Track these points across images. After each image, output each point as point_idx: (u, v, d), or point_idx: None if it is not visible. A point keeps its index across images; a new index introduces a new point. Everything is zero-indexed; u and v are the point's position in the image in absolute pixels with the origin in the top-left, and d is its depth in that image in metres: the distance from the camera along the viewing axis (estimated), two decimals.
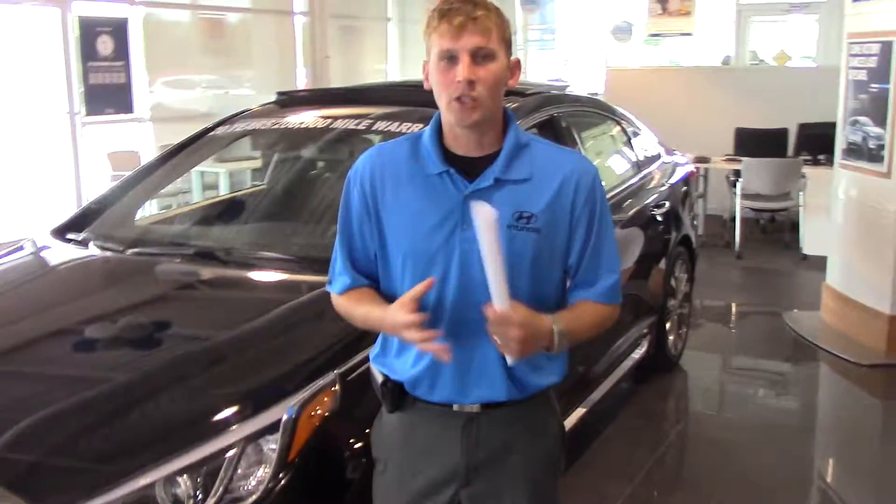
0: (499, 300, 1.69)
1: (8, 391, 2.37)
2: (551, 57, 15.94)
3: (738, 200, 7.81)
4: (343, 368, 2.33)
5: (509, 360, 1.79)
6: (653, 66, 11.47)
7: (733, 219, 7.92)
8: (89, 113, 7.96)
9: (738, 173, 7.80)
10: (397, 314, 1.76)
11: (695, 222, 5.48)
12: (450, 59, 1.77)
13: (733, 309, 6.60)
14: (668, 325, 4.77)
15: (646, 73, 10.51)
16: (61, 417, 2.19)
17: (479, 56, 1.77)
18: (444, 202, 1.82)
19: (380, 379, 1.95)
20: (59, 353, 2.59)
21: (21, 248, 3.34)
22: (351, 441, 2.24)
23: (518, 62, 1.88)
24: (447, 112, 1.81)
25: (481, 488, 1.91)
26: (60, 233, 3.36)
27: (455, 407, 1.88)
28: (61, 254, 3.23)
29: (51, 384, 2.40)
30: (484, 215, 1.66)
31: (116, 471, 2.03)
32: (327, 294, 2.00)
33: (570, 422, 3.58)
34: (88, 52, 7.87)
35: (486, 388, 1.87)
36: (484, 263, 1.70)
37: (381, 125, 3.47)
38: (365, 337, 2.44)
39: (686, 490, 3.75)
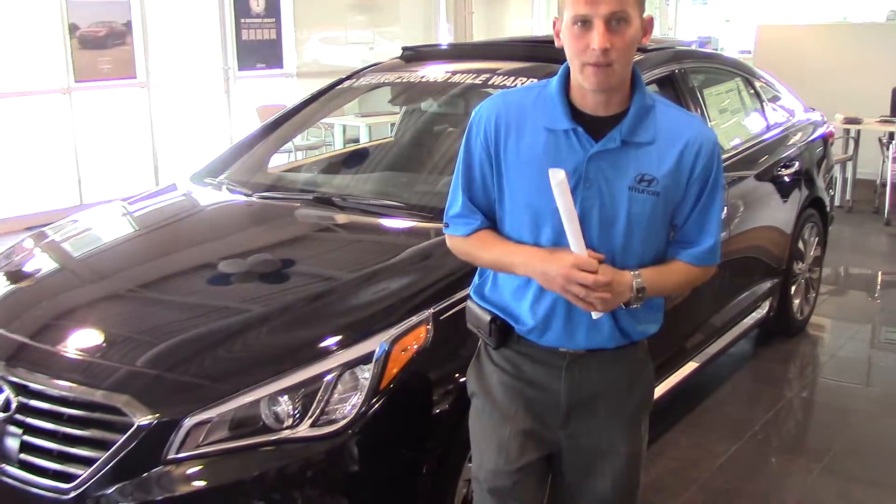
0: (577, 251, 1.79)
1: (152, 316, 2.65)
2: (705, 13, 15.40)
3: (889, 164, 7.43)
4: (437, 308, 2.47)
5: (594, 315, 1.86)
6: (805, 23, 10.89)
7: (885, 184, 7.54)
8: (241, 68, 8.39)
9: (892, 136, 7.41)
10: (566, 260, 1.80)
11: (831, 185, 5.28)
12: (584, 23, 1.75)
13: (876, 277, 6.34)
14: (793, 289, 4.67)
15: (798, 30, 10.04)
16: (186, 340, 2.44)
17: (614, 20, 1.74)
18: (568, 159, 1.82)
19: (487, 318, 2.01)
20: (188, 285, 2.86)
21: (174, 187, 3.66)
22: (441, 376, 2.39)
23: (651, 20, 1.85)
24: (580, 75, 1.80)
25: (581, 426, 1.99)
26: (200, 177, 3.65)
27: (562, 349, 1.96)
28: (198, 196, 3.51)
29: (179, 312, 2.65)
30: (556, 178, 1.74)
31: (227, 388, 2.25)
32: (436, 238, 2.07)
33: (680, 375, 3.61)
34: (242, 9, 8.28)
35: (594, 335, 1.93)
36: (563, 222, 1.77)
37: (505, 80, 3.53)
38: (460, 281, 2.59)
39: (794, 452, 3.71)
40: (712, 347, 3.91)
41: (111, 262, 3.09)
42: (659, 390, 3.44)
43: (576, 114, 1.85)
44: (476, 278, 2.08)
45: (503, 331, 1.99)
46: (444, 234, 2.05)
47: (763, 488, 3.41)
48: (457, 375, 2.37)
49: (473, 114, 1.95)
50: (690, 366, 3.72)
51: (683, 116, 1.96)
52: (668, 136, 1.86)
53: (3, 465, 2.38)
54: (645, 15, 1.82)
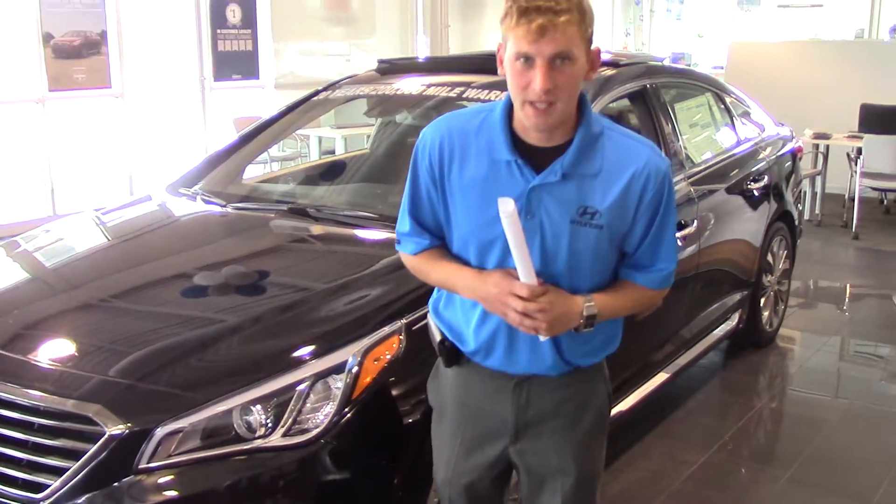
0: (526, 280, 1.78)
1: (124, 326, 2.65)
2: (678, 28, 15.57)
3: (857, 179, 7.56)
4: (409, 319, 2.50)
5: (541, 337, 1.85)
6: (777, 40, 11.07)
7: (853, 198, 7.67)
8: (217, 78, 8.38)
9: (860, 151, 7.54)
10: (504, 285, 1.79)
11: (799, 199, 5.37)
12: (527, 60, 1.71)
13: (844, 290, 6.43)
14: (762, 301, 4.73)
15: (769, 47, 10.20)
16: (158, 350, 2.44)
17: (558, 59, 1.70)
18: (510, 190, 1.79)
19: (438, 337, 2.04)
20: (161, 295, 2.86)
21: (148, 198, 3.66)
22: (413, 386, 2.41)
23: (598, 52, 1.80)
24: (521, 111, 1.77)
25: (529, 445, 2.01)
26: (175, 188, 3.66)
27: (507, 372, 1.96)
28: (172, 207, 3.51)
29: (151, 322, 2.65)
30: (504, 207, 1.71)
31: (199, 398, 2.26)
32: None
33: (650, 386, 3.65)
34: (218, 19, 8.29)
35: (536, 362, 1.93)
36: (512, 251, 1.75)
37: (479, 93, 3.56)
38: (432, 292, 2.61)
39: (762, 462, 3.76)
40: (683, 358, 3.97)
41: (84, 271, 3.09)
42: (629, 401, 3.49)
43: (519, 143, 1.83)
44: (434, 292, 2.10)
45: (452, 352, 2.01)
46: None
47: (732, 498, 3.46)
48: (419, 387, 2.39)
49: (419, 137, 1.94)
50: (661, 377, 3.77)
51: (633, 144, 1.89)
52: (614, 167, 1.83)
53: None
54: (593, 47, 1.79)
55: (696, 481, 3.53)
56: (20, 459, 2.32)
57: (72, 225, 3.59)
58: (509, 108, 1.85)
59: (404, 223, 2.01)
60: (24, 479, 2.29)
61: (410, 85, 3.97)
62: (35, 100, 7.32)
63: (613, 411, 3.34)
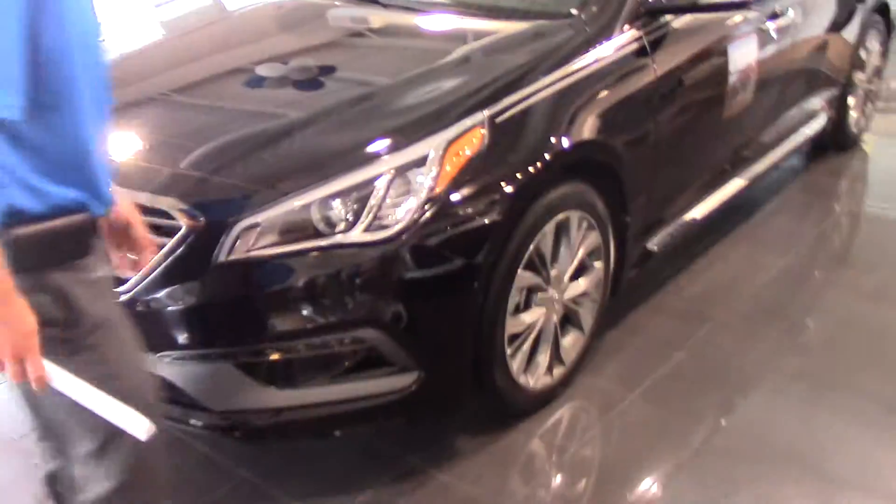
0: None
1: (188, 120, 2.54)
2: None
3: None
4: (492, 111, 2.34)
5: None
6: None
7: None
8: None
9: None
10: None
11: None
12: None
13: None
14: (851, 101, 4.45)
15: None
16: (229, 143, 2.33)
17: None
18: None
19: None
20: (225, 90, 2.72)
21: None
22: (493, 182, 2.28)
23: None
24: None
25: None
26: None
27: None
28: None
29: (218, 116, 2.54)
30: None
31: (276, 191, 2.17)
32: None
33: (729, 191, 3.50)
34: None
35: None
36: None
37: None
38: (514, 83, 2.44)
39: (846, 266, 3.65)
40: (766, 160, 3.77)
41: (142, 67, 2.94)
42: (708, 205, 3.35)
43: None
44: None
45: None
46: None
47: (811, 300, 3.37)
48: (503, 184, 2.27)
49: None
50: (739, 182, 3.60)
51: None
52: None
53: None
54: None
55: (774, 285, 3.45)
56: None
57: (128, 20, 3.42)
58: None
59: None
60: None
61: None
62: None
63: (694, 215, 3.24)
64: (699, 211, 3.32)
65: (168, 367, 2.21)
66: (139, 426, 1.49)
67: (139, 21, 3.37)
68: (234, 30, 3.26)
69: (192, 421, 2.28)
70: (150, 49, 3.13)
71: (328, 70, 2.78)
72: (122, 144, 2.39)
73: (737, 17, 3.21)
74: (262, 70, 2.72)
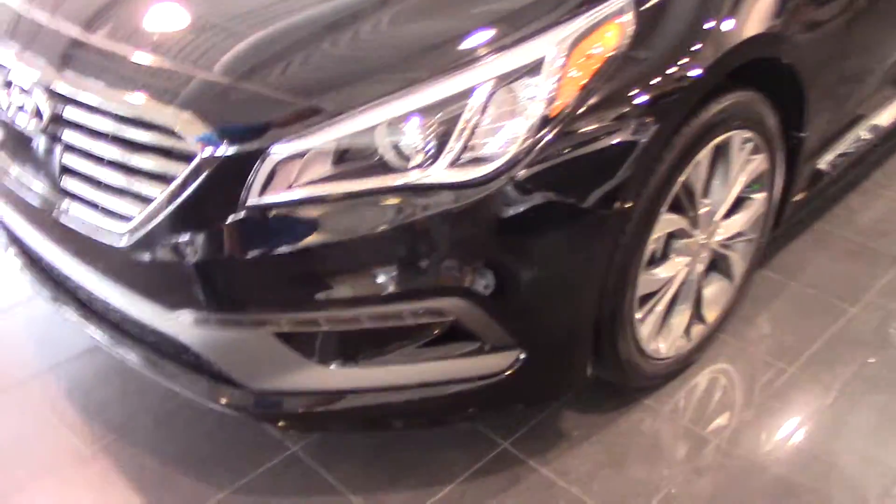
0: None
1: (208, 5, 1.88)
2: None
3: None
4: None
5: None
6: None
7: None
8: None
9: None
10: None
11: None
12: None
13: None
14: None
15: None
16: (267, 37, 1.69)
17: None
18: None
19: None
20: None
21: None
22: (639, 95, 1.60)
23: None
24: None
25: None
26: None
27: None
28: None
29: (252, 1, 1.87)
30: None
31: (329, 107, 1.54)
32: None
33: None
34: None
35: None
36: None
37: None
38: None
39: None
40: None
41: None
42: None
43: None
44: None
45: None
46: None
47: None
48: (648, 96, 1.59)
49: None
50: None
51: None
52: None
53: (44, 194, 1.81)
54: None
55: None
56: (98, 181, 1.72)
57: None
58: None
59: None
60: (103, 207, 1.71)
61: None
62: None
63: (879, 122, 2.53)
64: (885, 117, 2.58)
65: (188, 329, 1.67)
66: None
67: None
68: None
69: (222, 400, 1.76)
70: None
71: None
72: (126, 38, 1.78)
73: None
74: None
